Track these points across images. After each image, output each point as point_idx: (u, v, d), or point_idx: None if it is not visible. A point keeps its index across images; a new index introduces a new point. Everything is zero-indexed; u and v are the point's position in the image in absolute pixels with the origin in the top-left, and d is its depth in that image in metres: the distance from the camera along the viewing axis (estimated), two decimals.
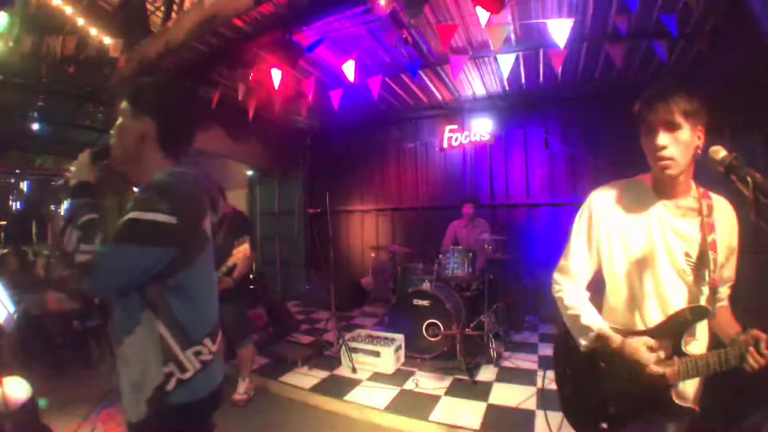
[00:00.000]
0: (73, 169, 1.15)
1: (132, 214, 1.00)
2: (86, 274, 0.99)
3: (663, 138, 1.12)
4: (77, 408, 2.93)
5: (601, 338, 1.20)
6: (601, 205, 1.30)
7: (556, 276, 1.37)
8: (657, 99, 1.13)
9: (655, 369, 1.12)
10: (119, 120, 1.15)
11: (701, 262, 1.18)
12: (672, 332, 1.17)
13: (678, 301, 1.20)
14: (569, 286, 1.33)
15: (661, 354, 1.14)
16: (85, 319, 4.22)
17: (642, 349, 1.14)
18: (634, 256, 1.24)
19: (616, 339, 1.18)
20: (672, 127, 1.11)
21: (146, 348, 1.05)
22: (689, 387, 1.22)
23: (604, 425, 1.25)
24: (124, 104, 1.15)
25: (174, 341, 1.07)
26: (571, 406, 1.40)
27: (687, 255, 1.19)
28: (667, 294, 1.21)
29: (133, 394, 1.06)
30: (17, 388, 2.11)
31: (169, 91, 1.20)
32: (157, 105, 1.15)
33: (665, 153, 1.12)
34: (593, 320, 1.23)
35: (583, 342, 1.25)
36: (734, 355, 1.07)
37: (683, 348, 1.16)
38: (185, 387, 1.08)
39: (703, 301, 1.18)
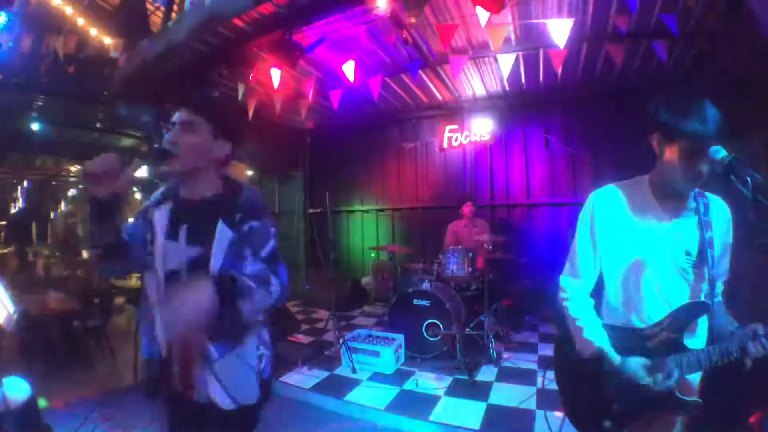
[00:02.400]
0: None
1: (272, 231, 1.26)
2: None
3: (705, 164, 1.10)
4: (77, 408, 2.94)
5: (601, 356, 1.21)
6: (602, 206, 1.31)
7: (563, 282, 1.38)
8: (715, 125, 1.07)
9: (655, 388, 1.14)
10: (195, 137, 1.23)
11: (700, 260, 1.20)
12: (673, 328, 1.19)
13: (678, 298, 1.23)
14: (576, 294, 1.33)
15: (659, 376, 1.15)
16: (85, 319, 4.22)
17: (640, 372, 1.16)
18: (635, 256, 1.25)
19: (615, 359, 1.19)
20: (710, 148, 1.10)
21: (255, 338, 1.27)
22: (692, 380, 1.23)
23: (608, 423, 1.25)
24: (206, 125, 1.24)
25: (262, 325, 1.30)
26: (573, 405, 1.40)
27: (687, 253, 1.21)
28: (668, 292, 1.23)
29: (252, 379, 1.25)
30: (17, 388, 2.11)
31: (235, 115, 1.44)
32: (234, 129, 1.34)
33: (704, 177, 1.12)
34: (596, 337, 1.24)
35: (584, 354, 1.26)
36: (735, 348, 1.08)
37: (684, 343, 1.18)
38: (270, 360, 1.32)
39: (702, 297, 1.21)
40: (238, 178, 1.36)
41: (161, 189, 1.37)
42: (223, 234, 1.19)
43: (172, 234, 1.23)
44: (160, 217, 1.27)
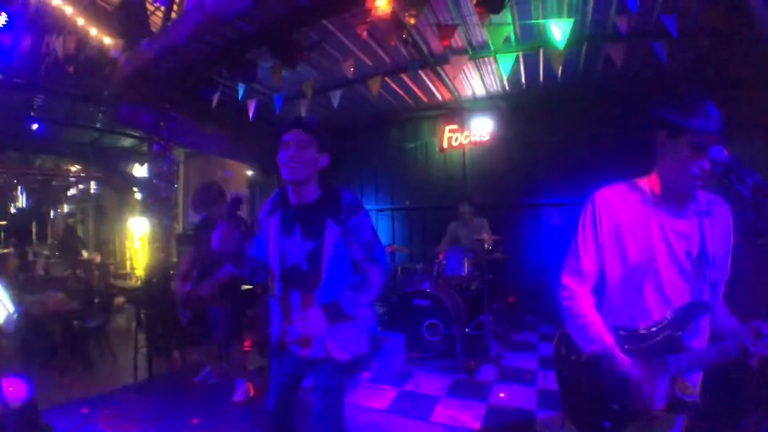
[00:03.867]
0: None
1: (369, 222, 1.59)
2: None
3: (708, 163, 1.10)
4: (77, 408, 2.94)
5: (606, 355, 1.20)
6: (604, 205, 1.31)
7: (565, 281, 1.37)
8: (718, 124, 1.09)
9: (652, 401, 1.14)
10: (308, 150, 1.55)
11: (701, 260, 1.20)
12: (673, 327, 1.19)
13: (679, 298, 1.23)
14: (578, 293, 1.33)
15: (661, 385, 1.15)
16: (85, 319, 4.22)
17: (644, 380, 1.15)
18: (637, 257, 1.25)
19: (622, 362, 1.18)
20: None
21: (369, 309, 1.63)
22: (692, 380, 1.24)
23: (608, 423, 1.25)
24: (308, 136, 1.56)
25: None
26: (574, 405, 1.40)
27: (688, 254, 1.21)
28: (669, 292, 1.23)
29: (362, 337, 1.60)
30: (17, 388, 2.11)
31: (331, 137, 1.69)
32: (331, 145, 1.65)
33: (707, 175, 1.12)
34: (600, 335, 1.23)
35: (587, 352, 1.26)
36: (735, 347, 1.09)
37: (685, 342, 1.18)
38: (376, 320, 1.69)
39: (703, 297, 1.21)
40: (335, 184, 1.66)
41: (269, 201, 1.69)
42: (331, 230, 1.52)
43: (288, 233, 1.56)
44: (275, 223, 1.61)
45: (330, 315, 1.47)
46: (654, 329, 1.22)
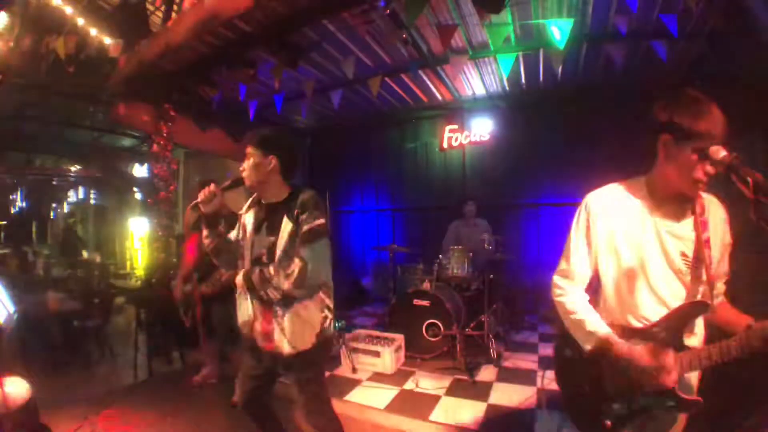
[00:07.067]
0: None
1: (316, 222, 1.63)
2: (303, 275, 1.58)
3: (710, 166, 1.09)
4: (77, 408, 2.93)
5: (605, 345, 1.20)
6: (598, 207, 1.31)
7: (556, 279, 1.37)
8: (724, 128, 1.08)
9: (663, 379, 1.13)
10: (251, 159, 1.71)
11: (698, 260, 1.20)
12: (673, 328, 1.19)
13: (675, 299, 1.22)
14: (570, 290, 1.33)
15: (667, 360, 1.14)
16: (85, 319, 4.22)
17: (648, 358, 1.14)
18: (632, 257, 1.25)
19: (622, 346, 1.18)
20: None
21: (317, 304, 1.71)
22: (692, 379, 1.24)
23: (608, 422, 1.25)
24: (253, 149, 1.71)
25: (327, 297, 1.75)
26: (575, 404, 1.40)
27: (683, 254, 1.21)
28: (665, 293, 1.23)
29: (306, 331, 1.67)
30: (17, 388, 2.10)
31: (285, 138, 1.81)
32: (279, 147, 1.74)
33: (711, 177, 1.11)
34: (597, 327, 1.23)
35: (586, 347, 1.25)
36: (735, 346, 1.08)
37: (684, 342, 1.18)
38: (332, 321, 1.78)
39: (700, 298, 1.21)
40: (303, 186, 1.79)
41: (250, 200, 1.86)
42: (285, 225, 1.67)
43: (258, 229, 1.75)
44: (249, 219, 1.79)
45: (246, 280, 1.67)
46: (653, 329, 1.22)
